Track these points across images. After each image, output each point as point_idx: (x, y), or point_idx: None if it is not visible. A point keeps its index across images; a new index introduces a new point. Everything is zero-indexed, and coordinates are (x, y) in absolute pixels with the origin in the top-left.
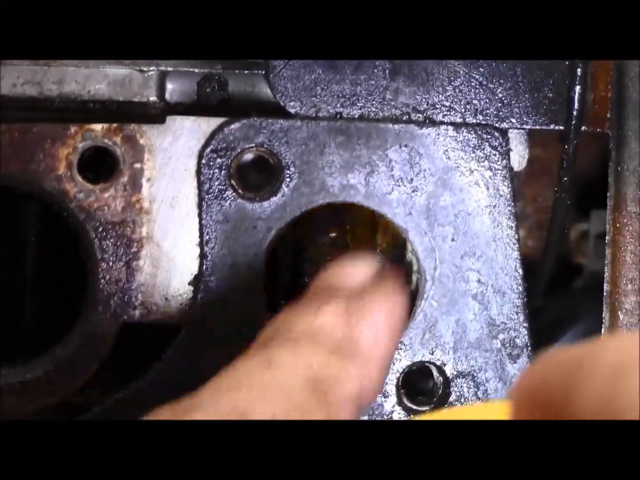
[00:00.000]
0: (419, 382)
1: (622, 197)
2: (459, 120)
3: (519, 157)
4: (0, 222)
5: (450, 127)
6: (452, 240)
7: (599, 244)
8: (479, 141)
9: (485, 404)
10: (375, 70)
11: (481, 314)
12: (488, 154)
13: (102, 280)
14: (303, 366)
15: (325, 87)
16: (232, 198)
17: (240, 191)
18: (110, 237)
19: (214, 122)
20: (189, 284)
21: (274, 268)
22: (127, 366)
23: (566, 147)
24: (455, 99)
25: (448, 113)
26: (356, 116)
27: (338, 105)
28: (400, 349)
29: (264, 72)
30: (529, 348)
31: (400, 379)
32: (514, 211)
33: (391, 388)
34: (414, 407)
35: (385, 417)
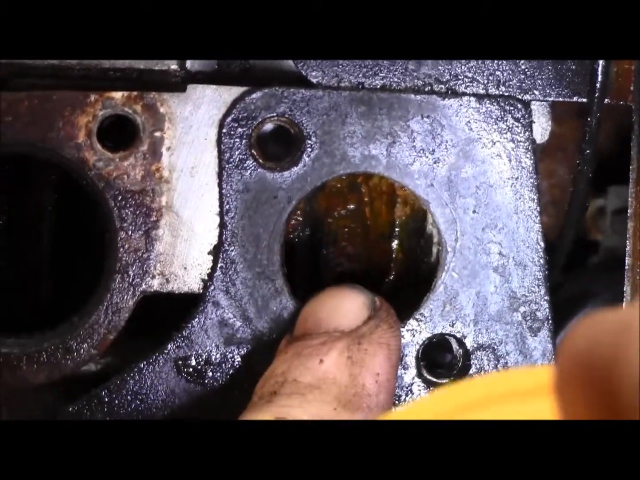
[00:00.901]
0: (438, 355)
1: None
2: (481, 91)
3: (541, 129)
4: (18, 190)
5: (472, 99)
6: (474, 212)
7: (616, 220)
8: (502, 113)
9: (526, 369)
10: None
11: (502, 287)
12: (510, 126)
13: (121, 250)
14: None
15: None
16: (253, 168)
17: (260, 161)
18: (129, 206)
19: (235, 91)
20: (208, 253)
21: (291, 240)
22: (146, 336)
23: (589, 119)
24: (478, 71)
25: (471, 84)
26: (378, 86)
27: (360, 75)
28: (421, 320)
29: None
30: (550, 321)
31: (420, 351)
32: (536, 183)
33: (411, 360)
34: (434, 379)
35: (405, 389)
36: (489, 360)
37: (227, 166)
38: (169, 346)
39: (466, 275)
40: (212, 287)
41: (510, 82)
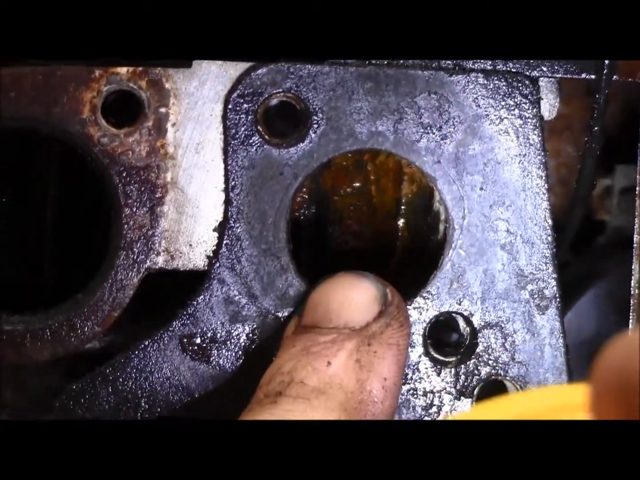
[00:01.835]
0: (445, 333)
1: None
2: (489, 67)
3: (549, 106)
4: (21, 166)
5: (480, 75)
6: (481, 189)
7: (623, 199)
8: (510, 89)
9: (561, 387)
10: None
11: (510, 264)
12: (518, 102)
13: (126, 226)
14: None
15: None
16: (259, 144)
17: (266, 137)
18: (134, 182)
19: (240, 67)
20: (213, 230)
21: (297, 218)
22: (150, 313)
23: (597, 96)
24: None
25: (478, 60)
26: (385, 62)
27: None
28: (427, 298)
29: None
30: (558, 299)
31: (427, 329)
32: (544, 160)
33: (417, 338)
34: (441, 357)
35: (412, 367)
36: (496, 338)
37: (232, 142)
38: (174, 324)
39: (473, 252)
40: (218, 264)
41: None
